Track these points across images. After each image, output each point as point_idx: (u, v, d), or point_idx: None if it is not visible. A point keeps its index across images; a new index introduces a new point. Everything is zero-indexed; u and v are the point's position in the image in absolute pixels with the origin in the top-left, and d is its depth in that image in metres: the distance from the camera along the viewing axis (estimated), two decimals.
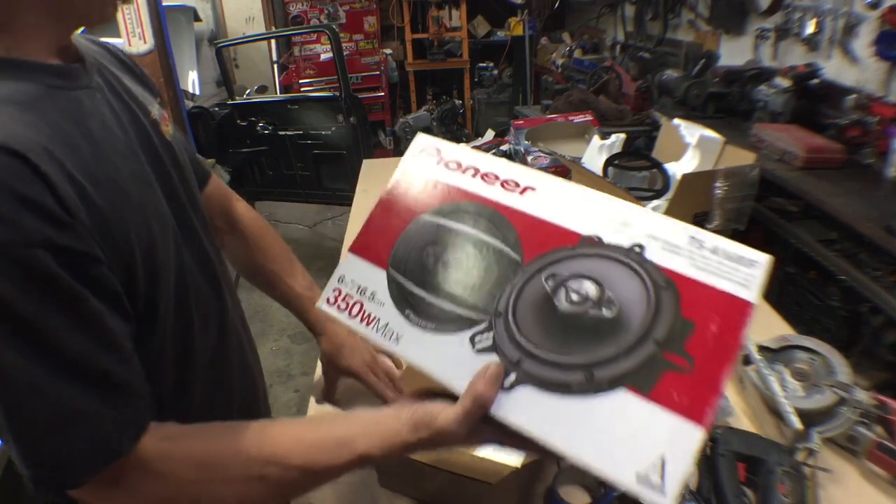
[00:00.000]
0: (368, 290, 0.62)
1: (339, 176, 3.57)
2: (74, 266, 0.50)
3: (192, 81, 3.81)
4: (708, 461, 0.94)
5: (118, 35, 2.51)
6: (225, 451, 0.58)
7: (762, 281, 0.51)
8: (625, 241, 0.55)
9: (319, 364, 1.04)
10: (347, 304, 0.63)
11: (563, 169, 2.10)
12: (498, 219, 0.59)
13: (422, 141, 0.68)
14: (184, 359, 0.71)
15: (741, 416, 1.09)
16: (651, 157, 1.89)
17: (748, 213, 1.62)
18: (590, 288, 0.53)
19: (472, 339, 0.56)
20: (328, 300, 0.64)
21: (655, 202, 1.72)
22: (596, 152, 1.96)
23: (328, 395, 1.01)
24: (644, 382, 0.49)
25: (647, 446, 0.48)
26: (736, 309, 0.50)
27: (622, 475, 0.47)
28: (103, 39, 0.79)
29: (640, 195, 1.71)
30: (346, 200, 2.32)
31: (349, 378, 0.98)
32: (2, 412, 0.49)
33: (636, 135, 2.74)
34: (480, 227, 0.59)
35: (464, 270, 0.58)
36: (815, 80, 2.31)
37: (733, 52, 2.97)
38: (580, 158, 1.97)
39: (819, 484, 0.91)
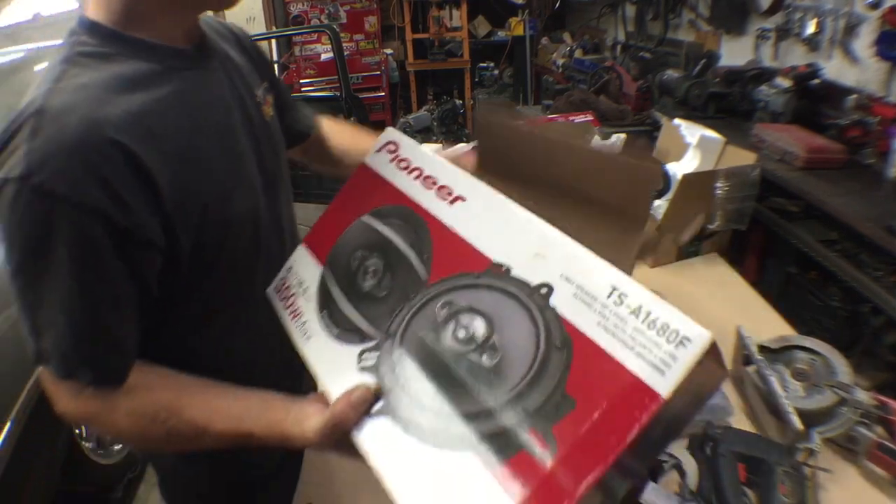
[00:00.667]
0: (304, 284, 0.62)
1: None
2: (121, 242, 0.60)
3: None
4: (708, 461, 0.94)
5: None
6: (162, 401, 0.66)
7: (687, 368, 0.38)
8: (534, 278, 0.46)
9: None
10: (286, 296, 0.63)
11: None
12: (422, 229, 0.53)
13: (385, 135, 0.66)
14: (247, 307, 0.79)
15: (741, 416, 1.10)
16: (652, 158, 1.89)
17: (749, 213, 1.62)
18: (479, 327, 0.47)
19: (360, 355, 0.53)
20: (276, 287, 0.65)
21: (656, 202, 1.72)
22: None
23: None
24: (496, 453, 0.42)
25: None
26: (635, 399, 0.38)
27: None
28: (225, 21, 0.86)
29: None
30: None
31: None
32: (25, 311, 0.61)
33: (637, 135, 2.74)
34: (402, 236, 0.55)
35: (376, 280, 0.55)
36: (816, 81, 2.31)
37: (734, 53, 2.97)
38: None
39: (819, 484, 0.91)
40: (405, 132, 3.13)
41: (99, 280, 0.60)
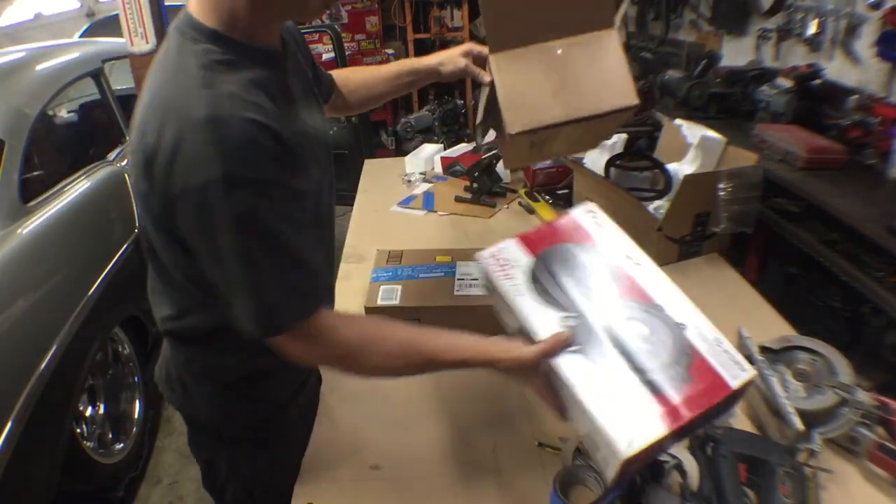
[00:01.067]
0: (515, 261, 0.90)
1: (340, 175, 3.54)
2: (295, 198, 0.77)
3: None
4: (709, 462, 0.94)
5: (120, 34, 2.51)
6: (385, 334, 0.85)
7: (747, 379, 0.76)
8: (676, 318, 0.81)
9: None
10: (498, 262, 0.90)
11: (565, 169, 2.10)
12: (612, 268, 0.88)
13: (588, 205, 0.96)
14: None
15: (742, 416, 1.10)
16: (653, 158, 1.89)
17: (754, 215, 1.60)
18: (643, 329, 0.81)
19: (563, 318, 0.82)
20: (487, 256, 0.92)
21: (657, 202, 1.72)
22: (597, 153, 1.96)
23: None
24: (650, 391, 0.74)
25: (628, 417, 0.72)
26: (718, 386, 0.75)
27: (617, 437, 0.70)
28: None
29: (642, 196, 1.71)
30: (348, 200, 2.32)
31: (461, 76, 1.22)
32: (247, 284, 0.74)
33: (638, 135, 2.73)
34: (597, 262, 0.89)
35: (578, 282, 0.86)
36: (817, 81, 2.31)
37: (735, 53, 2.97)
38: (582, 159, 1.97)
39: (820, 485, 0.91)
40: (406, 132, 3.15)
41: (297, 232, 0.76)
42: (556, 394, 0.81)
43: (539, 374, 0.81)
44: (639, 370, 0.76)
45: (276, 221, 0.74)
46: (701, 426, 0.84)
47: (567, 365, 0.77)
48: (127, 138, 2.71)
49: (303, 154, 0.81)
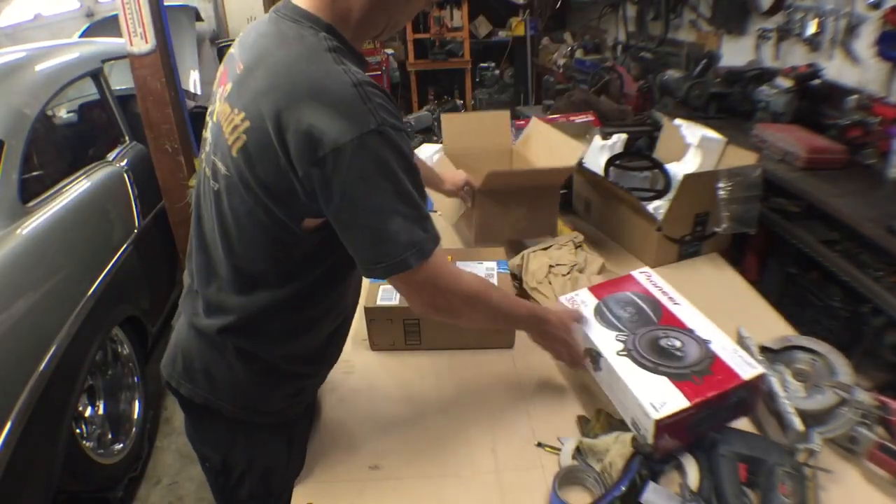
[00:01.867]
0: (586, 302, 1.21)
1: None
2: (412, 151, 0.85)
3: (193, 81, 3.81)
4: (709, 461, 0.94)
5: (120, 35, 2.51)
6: (477, 286, 0.97)
7: (756, 374, 0.98)
8: (704, 336, 1.08)
9: None
10: (574, 305, 1.20)
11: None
12: (657, 306, 1.18)
13: (645, 269, 1.30)
14: (355, 269, 0.99)
15: None
16: (652, 158, 1.89)
17: (756, 216, 1.59)
18: (677, 343, 1.07)
19: (616, 336, 1.11)
20: (568, 300, 1.22)
21: (657, 202, 1.72)
22: (597, 152, 1.96)
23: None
24: (678, 379, 0.98)
25: (660, 395, 0.95)
26: (733, 377, 0.98)
27: (644, 399, 0.95)
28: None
29: (642, 195, 1.71)
30: None
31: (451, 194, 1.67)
32: (376, 226, 0.81)
33: (637, 135, 2.73)
34: (645, 303, 1.19)
35: (630, 315, 1.16)
36: (817, 81, 2.31)
37: (735, 53, 2.97)
38: (582, 158, 1.97)
39: (820, 484, 0.91)
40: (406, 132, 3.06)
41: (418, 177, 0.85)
42: (576, 349, 1.13)
43: (568, 332, 1.13)
44: (672, 366, 1.01)
45: (411, 167, 0.83)
46: (717, 420, 0.99)
47: (618, 364, 1.03)
48: (127, 138, 2.71)
49: None
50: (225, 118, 0.86)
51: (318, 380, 1.13)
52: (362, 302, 1.32)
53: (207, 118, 0.98)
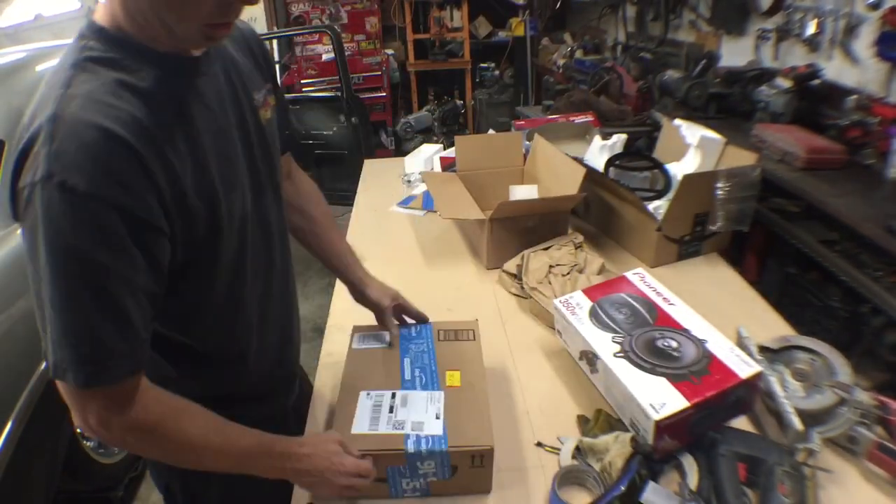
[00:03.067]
0: (580, 304, 1.21)
1: (340, 176, 3.57)
2: (138, 231, 0.66)
3: None
4: (709, 461, 0.94)
5: None
6: (187, 425, 0.78)
7: (754, 373, 0.98)
8: (699, 336, 1.08)
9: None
10: (569, 306, 1.21)
11: None
12: (652, 308, 1.18)
13: (640, 269, 1.30)
14: (234, 302, 0.90)
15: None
16: (652, 158, 1.89)
17: (751, 214, 1.61)
18: (673, 343, 1.07)
19: (612, 338, 1.11)
20: (562, 302, 1.22)
21: (657, 202, 1.72)
22: (597, 153, 1.97)
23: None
24: (676, 380, 0.98)
25: (659, 396, 0.95)
26: (731, 376, 0.98)
27: (643, 400, 0.95)
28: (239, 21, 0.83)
29: (642, 195, 1.71)
30: (348, 200, 2.32)
31: (374, 310, 1.18)
32: (54, 322, 0.65)
33: (637, 135, 2.73)
34: (640, 305, 1.19)
35: (624, 316, 1.16)
36: (816, 81, 2.31)
37: (734, 53, 2.97)
38: (582, 159, 1.97)
39: (819, 484, 0.92)
40: (406, 132, 3.16)
41: (124, 267, 0.66)
42: (351, 474, 0.85)
43: (333, 456, 0.84)
44: (670, 367, 1.01)
45: (108, 257, 0.64)
46: (716, 420, 0.99)
47: (617, 365, 1.04)
48: None
49: (183, 169, 0.72)
50: None
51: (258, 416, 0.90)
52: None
53: None
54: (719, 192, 1.56)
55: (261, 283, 0.95)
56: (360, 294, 1.17)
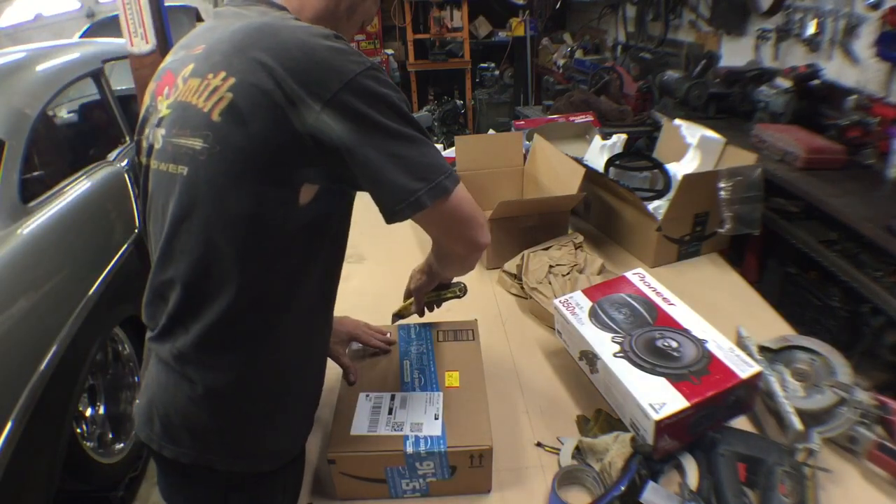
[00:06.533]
0: (580, 304, 1.20)
1: None
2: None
3: None
4: (708, 461, 0.94)
5: (120, 35, 2.51)
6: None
7: (753, 373, 0.98)
8: (699, 336, 1.07)
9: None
10: (569, 305, 1.21)
11: None
12: (652, 307, 1.18)
13: (636, 270, 1.30)
14: (325, 301, 0.94)
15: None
16: (652, 158, 1.89)
17: (759, 217, 1.58)
18: (673, 343, 1.07)
19: (611, 338, 1.10)
20: (562, 302, 1.22)
21: (657, 202, 1.72)
22: (597, 152, 1.97)
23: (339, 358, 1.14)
24: (675, 380, 0.98)
25: (659, 396, 0.95)
26: (730, 376, 0.97)
27: (643, 400, 0.94)
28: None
29: (642, 195, 1.72)
30: None
31: (351, 340, 1.18)
32: (406, 152, 0.77)
33: (637, 135, 2.74)
34: (639, 304, 1.19)
35: (624, 316, 1.16)
36: (816, 81, 2.31)
37: (734, 53, 2.98)
38: (582, 159, 1.97)
39: (819, 484, 0.92)
40: None
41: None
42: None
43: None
44: (669, 367, 1.01)
45: (406, 102, 0.82)
46: (716, 420, 0.99)
47: (616, 366, 1.03)
48: (127, 138, 2.71)
49: None
50: (194, 91, 0.78)
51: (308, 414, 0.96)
52: (364, 303, 1.32)
53: (148, 128, 0.88)
54: (722, 192, 1.56)
55: (333, 301, 0.97)
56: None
